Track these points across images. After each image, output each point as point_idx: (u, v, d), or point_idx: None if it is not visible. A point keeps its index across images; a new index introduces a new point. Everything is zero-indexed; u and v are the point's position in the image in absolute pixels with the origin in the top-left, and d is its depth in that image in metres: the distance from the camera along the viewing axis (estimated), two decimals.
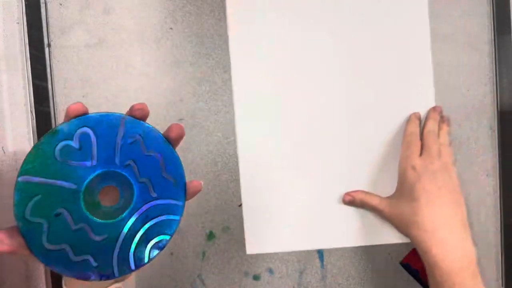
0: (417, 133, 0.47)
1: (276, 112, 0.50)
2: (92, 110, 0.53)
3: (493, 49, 0.51)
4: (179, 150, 0.34)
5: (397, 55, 0.49)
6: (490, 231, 0.51)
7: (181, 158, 0.33)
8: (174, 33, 0.52)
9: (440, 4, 0.51)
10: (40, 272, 0.52)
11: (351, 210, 0.50)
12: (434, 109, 0.47)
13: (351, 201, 0.48)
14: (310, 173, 0.51)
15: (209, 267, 0.52)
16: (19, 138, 0.52)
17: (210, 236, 0.52)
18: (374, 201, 0.47)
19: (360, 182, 0.50)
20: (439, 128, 0.47)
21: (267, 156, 0.51)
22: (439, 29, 0.51)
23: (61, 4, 0.52)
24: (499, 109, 0.51)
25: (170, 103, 0.52)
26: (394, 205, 0.45)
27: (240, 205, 0.49)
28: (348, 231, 0.51)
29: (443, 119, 0.47)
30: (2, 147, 0.52)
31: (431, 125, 0.46)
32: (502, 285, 0.51)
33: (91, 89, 0.52)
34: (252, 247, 0.50)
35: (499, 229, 0.51)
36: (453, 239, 0.41)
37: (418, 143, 0.46)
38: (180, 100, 0.52)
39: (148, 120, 0.52)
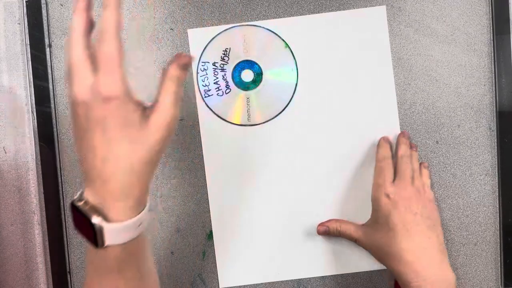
0: (389, 157, 0.47)
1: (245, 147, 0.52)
2: None
3: (492, 50, 0.51)
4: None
5: (364, 92, 0.51)
6: (489, 231, 0.52)
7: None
8: (174, 33, 0.52)
9: (440, 4, 0.51)
10: (40, 272, 0.52)
11: (326, 238, 0.51)
12: (403, 134, 0.49)
13: (326, 231, 0.48)
14: (281, 203, 0.52)
15: (209, 267, 0.52)
16: (20, 138, 0.52)
17: (210, 235, 0.52)
18: (349, 230, 0.47)
19: (333, 209, 0.51)
20: (410, 153, 0.47)
21: (236, 187, 0.51)
22: (438, 29, 0.51)
23: (62, 5, 0.52)
24: (498, 109, 0.51)
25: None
26: (369, 234, 0.45)
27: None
28: (325, 260, 0.51)
29: (411, 145, 0.48)
30: (3, 147, 0.52)
31: (404, 150, 0.47)
32: (501, 285, 0.51)
33: None
34: (225, 281, 0.51)
35: (498, 229, 0.51)
36: (433, 268, 0.41)
37: (391, 169, 0.46)
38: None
39: None
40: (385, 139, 0.49)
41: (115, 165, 0.29)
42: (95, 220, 0.29)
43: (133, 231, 0.31)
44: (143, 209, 0.31)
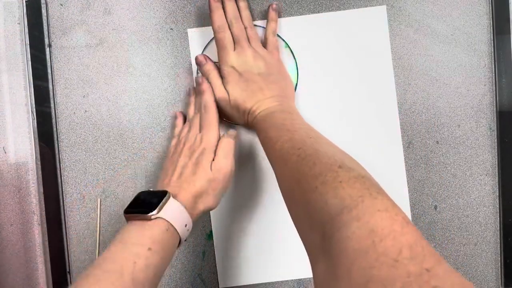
0: (225, 26, 0.48)
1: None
2: (93, 111, 0.53)
3: (492, 49, 0.51)
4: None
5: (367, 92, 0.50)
6: (489, 231, 0.52)
7: None
8: (174, 33, 0.52)
9: (440, 4, 0.51)
10: (40, 272, 0.52)
11: None
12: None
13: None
14: (281, 203, 0.51)
15: (209, 267, 0.52)
16: (20, 138, 0.52)
17: (210, 235, 0.52)
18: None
19: None
20: (240, 13, 0.49)
21: (236, 187, 0.52)
22: (438, 29, 0.51)
23: (61, 5, 0.52)
24: (498, 109, 0.51)
25: (170, 103, 0.52)
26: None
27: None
28: None
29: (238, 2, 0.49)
30: (3, 147, 0.52)
31: (232, 13, 0.48)
32: (501, 285, 0.51)
33: (92, 89, 0.52)
34: (225, 281, 0.51)
35: (498, 229, 0.51)
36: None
37: (231, 38, 0.48)
38: (180, 100, 0.52)
39: (148, 120, 0.52)
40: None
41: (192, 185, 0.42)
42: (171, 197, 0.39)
43: (182, 222, 0.39)
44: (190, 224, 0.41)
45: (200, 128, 0.46)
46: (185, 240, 0.41)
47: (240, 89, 0.46)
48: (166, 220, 0.37)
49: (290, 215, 0.35)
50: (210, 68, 0.48)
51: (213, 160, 0.43)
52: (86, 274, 0.33)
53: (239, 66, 0.46)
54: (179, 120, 0.50)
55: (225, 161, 0.43)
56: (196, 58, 0.48)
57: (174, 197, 0.39)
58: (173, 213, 0.38)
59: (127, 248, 0.35)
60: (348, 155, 0.34)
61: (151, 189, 0.41)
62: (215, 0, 0.47)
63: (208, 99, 0.46)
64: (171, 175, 0.43)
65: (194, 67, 0.52)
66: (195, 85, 0.51)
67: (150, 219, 0.37)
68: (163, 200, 0.38)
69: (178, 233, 0.39)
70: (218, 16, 0.47)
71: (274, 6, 0.49)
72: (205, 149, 0.43)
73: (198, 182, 0.41)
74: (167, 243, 0.37)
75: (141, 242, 0.36)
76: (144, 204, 0.38)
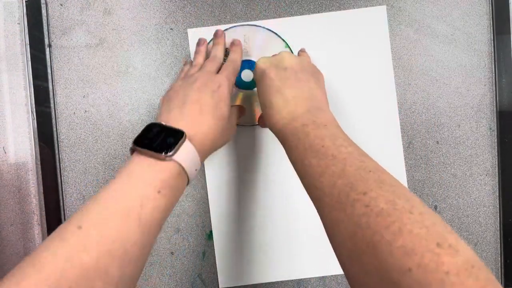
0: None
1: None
2: (93, 111, 0.53)
3: (492, 49, 0.51)
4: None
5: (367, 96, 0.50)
6: (490, 231, 0.52)
7: None
8: (174, 33, 0.52)
9: (440, 4, 0.51)
10: None
11: (326, 238, 0.51)
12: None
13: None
14: (281, 203, 0.52)
15: (209, 267, 0.52)
16: (20, 138, 0.52)
17: (210, 235, 0.52)
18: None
19: None
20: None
21: (236, 188, 0.52)
22: (438, 29, 0.51)
23: (61, 5, 0.52)
24: (498, 109, 0.51)
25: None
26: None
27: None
28: (325, 260, 0.52)
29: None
30: (3, 147, 0.52)
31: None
32: (501, 285, 0.51)
33: (92, 89, 0.52)
34: (225, 281, 0.51)
35: (498, 229, 0.51)
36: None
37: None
38: None
39: (148, 120, 0.52)
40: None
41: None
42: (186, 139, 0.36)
43: (193, 166, 0.37)
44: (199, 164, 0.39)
45: (219, 71, 0.44)
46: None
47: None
48: (179, 164, 0.35)
49: (347, 271, 0.29)
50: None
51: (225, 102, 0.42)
52: (88, 210, 0.30)
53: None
54: (187, 67, 0.49)
55: (232, 108, 0.44)
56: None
57: (188, 138, 0.37)
58: (187, 157, 0.36)
59: (136, 186, 0.33)
60: (424, 204, 0.28)
61: (163, 123, 0.37)
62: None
63: (237, 51, 0.48)
64: (179, 108, 0.39)
65: None
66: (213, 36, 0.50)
67: (163, 160, 0.34)
68: (179, 142, 0.35)
69: (188, 177, 0.37)
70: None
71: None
72: (220, 87, 0.41)
73: (210, 122, 0.39)
74: (177, 186, 0.35)
75: (152, 183, 0.33)
76: (158, 140, 0.35)
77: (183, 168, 0.35)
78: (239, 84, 0.52)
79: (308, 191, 0.34)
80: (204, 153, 0.39)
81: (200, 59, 0.48)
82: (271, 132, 0.41)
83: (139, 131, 0.36)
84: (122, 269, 0.29)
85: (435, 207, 0.52)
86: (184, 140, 0.36)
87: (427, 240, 0.24)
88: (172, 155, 0.34)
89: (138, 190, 0.32)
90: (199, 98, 0.40)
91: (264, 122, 0.49)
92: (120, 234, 0.29)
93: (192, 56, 0.52)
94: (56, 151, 0.52)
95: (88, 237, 0.28)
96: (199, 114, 0.39)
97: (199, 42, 0.50)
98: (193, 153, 0.37)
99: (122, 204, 0.31)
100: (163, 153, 0.34)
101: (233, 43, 0.50)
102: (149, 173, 0.34)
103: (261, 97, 0.42)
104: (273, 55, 0.45)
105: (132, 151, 0.36)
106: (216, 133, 0.40)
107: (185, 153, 0.36)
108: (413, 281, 0.23)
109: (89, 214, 0.30)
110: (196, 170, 0.38)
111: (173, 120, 0.38)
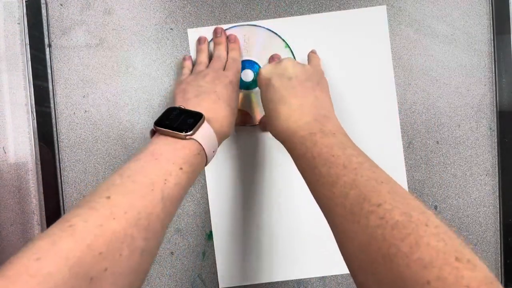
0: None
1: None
2: (93, 111, 0.53)
3: (493, 49, 0.51)
4: None
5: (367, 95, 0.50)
6: (490, 231, 0.52)
7: None
8: (174, 33, 0.52)
9: (440, 4, 0.51)
10: None
11: (326, 238, 0.51)
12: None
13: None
14: (281, 203, 0.52)
15: (209, 267, 0.52)
16: (20, 138, 0.52)
17: (210, 235, 0.52)
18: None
19: None
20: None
21: (236, 188, 0.52)
22: (439, 29, 0.51)
23: (61, 5, 0.52)
24: (498, 109, 0.51)
25: (170, 103, 0.52)
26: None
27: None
28: (325, 260, 0.52)
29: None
30: (3, 147, 0.52)
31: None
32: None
33: (92, 90, 0.52)
34: (225, 281, 0.51)
35: (498, 229, 0.51)
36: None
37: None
38: None
39: (148, 120, 0.52)
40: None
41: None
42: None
43: (211, 147, 0.39)
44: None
45: (225, 69, 0.47)
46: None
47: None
48: (199, 143, 0.37)
49: (359, 282, 0.28)
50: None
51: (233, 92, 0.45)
52: (115, 182, 0.31)
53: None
54: (189, 62, 0.51)
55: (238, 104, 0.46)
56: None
57: (207, 121, 0.39)
58: (205, 137, 0.38)
59: (159, 163, 0.34)
60: (438, 216, 0.27)
61: (182, 107, 0.40)
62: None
63: (236, 49, 0.49)
64: (196, 97, 0.42)
65: None
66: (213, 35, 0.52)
67: (184, 139, 0.36)
68: (199, 123, 0.37)
69: (206, 157, 0.38)
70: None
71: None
72: (231, 82, 0.44)
73: (227, 110, 0.42)
74: (197, 165, 0.37)
75: (174, 160, 0.35)
76: (178, 121, 0.37)
77: (202, 148, 0.37)
78: (239, 84, 0.52)
79: (317, 200, 0.34)
80: (221, 136, 0.41)
81: (204, 56, 0.50)
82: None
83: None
84: (145, 241, 0.30)
85: (435, 207, 0.52)
86: (203, 121, 0.38)
87: (445, 254, 0.24)
88: (192, 134, 0.36)
89: (162, 166, 0.34)
90: (214, 89, 0.42)
91: (265, 126, 0.49)
92: (145, 207, 0.31)
93: (192, 55, 0.52)
94: (56, 151, 0.52)
95: (116, 207, 0.29)
96: (216, 102, 0.41)
97: (200, 40, 0.51)
98: (211, 134, 0.39)
99: (147, 179, 0.32)
100: (183, 132, 0.36)
101: (230, 40, 0.51)
102: (171, 151, 0.35)
103: (266, 106, 0.42)
104: (276, 63, 0.45)
105: (153, 133, 0.38)
106: (231, 120, 0.42)
107: (204, 133, 0.38)
108: None
109: (116, 186, 0.31)
110: (213, 152, 0.39)
111: (191, 106, 0.40)
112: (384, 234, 0.26)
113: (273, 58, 0.51)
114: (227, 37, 0.51)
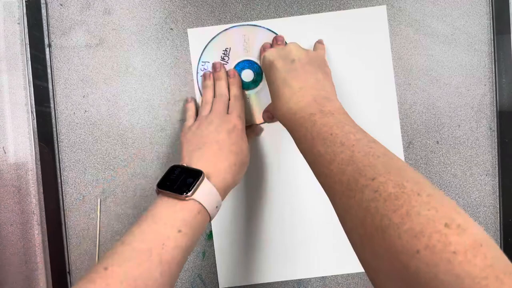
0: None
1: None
2: (93, 111, 0.53)
3: (493, 49, 0.51)
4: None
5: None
6: (490, 231, 0.51)
7: None
8: (174, 33, 0.52)
9: (440, 4, 0.51)
10: (40, 272, 0.52)
11: (326, 238, 0.50)
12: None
13: (270, 116, 0.50)
14: (281, 203, 0.52)
15: (209, 267, 0.52)
16: (20, 138, 0.52)
17: (210, 235, 0.52)
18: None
19: (333, 209, 0.51)
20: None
21: (236, 188, 0.52)
22: (439, 29, 0.51)
23: (61, 5, 0.52)
24: (498, 109, 0.51)
25: (170, 103, 0.52)
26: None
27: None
28: (325, 260, 0.52)
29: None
30: (3, 147, 0.52)
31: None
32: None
33: (92, 89, 0.52)
34: (225, 281, 0.51)
35: (498, 229, 0.51)
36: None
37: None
38: (180, 100, 0.52)
39: (148, 120, 0.52)
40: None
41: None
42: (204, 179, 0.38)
43: (213, 204, 0.39)
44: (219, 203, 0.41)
45: (229, 110, 0.46)
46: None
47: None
48: (199, 203, 0.37)
49: (359, 256, 0.29)
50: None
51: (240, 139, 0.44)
52: (114, 251, 0.33)
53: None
54: (192, 104, 0.50)
55: (247, 144, 0.45)
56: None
57: (208, 177, 0.39)
58: (206, 195, 0.38)
59: (157, 228, 0.35)
60: (434, 186, 0.27)
61: (185, 164, 0.40)
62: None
63: (236, 84, 0.49)
64: (199, 149, 0.42)
65: (194, 67, 0.52)
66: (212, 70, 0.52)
67: (184, 200, 0.37)
68: (198, 182, 0.37)
69: (209, 214, 0.38)
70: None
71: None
72: (235, 127, 0.44)
73: (230, 158, 0.41)
74: (198, 225, 0.37)
75: (172, 223, 0.35)
76: (178, 181, 0.38)
77: (203, 207, 0.37)
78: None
79: (318, 179, 0.35)
80: (226, 189, 0.41)
81: (209, 95, 0.49)
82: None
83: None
84: None
85: None
86: (203, 179, 0.38)
87: (435, 221, 0.23)
88: (191, 194, 0.37)
89: (160, 231, 0.35)
90: (217, 138, 0.42)
91: (268, 115, 0.50)
92: (141, 274, 0.32)
93: (192, 56, 0.52)
94: (56, 151, 0.52)
95: (112, 278, 0.31)
96: (219, 152, 0.41)
97: (206, 76, 0.51)
98: (212, 191, 0.39)
99: (145, 245, 0.34)
100: (184, 194, 0.36)
101: (229, 76, 0.50)
102: (170, 214, 0.36)
103: (269, 89, 0.44)
104: (281, 47, 0.46)
105: (158, 192, 0.39)
106: (236, 167, 0.42)
107: (203, 191, 0.38)
108: (421, 263, 0.22)
109: (114, 255, 0.33)
110: (217, 207, 0.39)
111: (194, 161, 0.40)
112: (377, 207, 0.26)
113: (276, 39, 0.50)
114: (227, 72, 0.51)
